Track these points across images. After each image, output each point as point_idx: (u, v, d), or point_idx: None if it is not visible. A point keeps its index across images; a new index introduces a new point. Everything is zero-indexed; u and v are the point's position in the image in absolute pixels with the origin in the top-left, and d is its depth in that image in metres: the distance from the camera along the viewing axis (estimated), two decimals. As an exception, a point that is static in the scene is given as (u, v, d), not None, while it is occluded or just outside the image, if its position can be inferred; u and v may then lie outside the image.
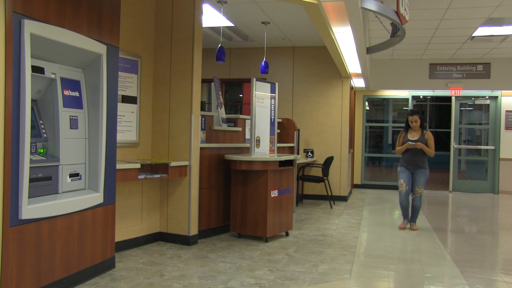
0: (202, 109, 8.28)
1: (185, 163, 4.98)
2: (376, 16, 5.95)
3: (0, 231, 2.89)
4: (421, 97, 16.34)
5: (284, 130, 7.98)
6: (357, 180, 11.22)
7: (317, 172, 8.70)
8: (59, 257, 3.40)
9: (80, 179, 3.70)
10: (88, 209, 3.68)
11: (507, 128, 10.62)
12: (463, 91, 10.56)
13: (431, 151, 6.10)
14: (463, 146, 11.51)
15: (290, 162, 5.60)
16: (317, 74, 9.06)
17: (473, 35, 8.09)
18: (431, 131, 6.40)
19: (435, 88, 10.77)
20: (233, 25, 7.52)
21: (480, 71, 10.46)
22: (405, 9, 5.53)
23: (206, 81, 7.54)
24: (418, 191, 6.23)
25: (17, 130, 2.96)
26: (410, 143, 6.09)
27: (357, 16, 4.86)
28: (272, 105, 5.78)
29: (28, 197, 3.07)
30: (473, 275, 4.25)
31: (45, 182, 3.36)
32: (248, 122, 6.31)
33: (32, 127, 3.22)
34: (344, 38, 5.87)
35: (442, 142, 17.60)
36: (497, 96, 10.73)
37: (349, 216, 7.28)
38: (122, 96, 4.74)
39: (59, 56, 3.47)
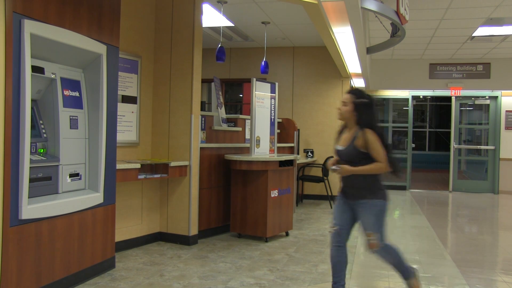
0: (202, 109, 8.28)
1: (185, 163, 4.97)
2: (376, 16, 5.95)
3: (0, 231, 2.89)
4: (421, 97, 16.39)
5: (284, 130, 7.97)
6: (357, 180, 11.19)
7: (317, 172, 8.69)
8: (59, 257, 3.40)
9: (80, 179, 3.70)
10: (88, 209, 3.68)
11: (507, 128, 10.62)
12: (463, 91, 10.56)
13: (373, 168, 3.16)
14: (463, 146, 11.51)
15: (290, 162, 5.60)
16: (317, 74, 9.05)
17: (473, 35, 8.09)
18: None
19: (435, 88, 10.77)
20: (233, 25, 7.52)
21: (480, 71, 10.45)
22: (405, 9, 5.53)
23: (206, 81, 7.54)
24: (370, 240, 3.23)
25: (17, 130, 2.96)
26: (332, 167, 3.31)
27: (357, 16, 4.86)
28: (272, 105, 5.78)
29: (28, 197, 3.07)
30: (473, 275, 4.25)
31: (45, 182, 3.36)
32: (248, 122, 6.31)
33: (32, 127, 3.22)
34: (344, 38, 5.86)
35: (442, 142, 17.62)
36: (497, 96, 10.72)
37: (349, 216, 7.27)
38: (122, 96, 4.74)
39: (59, 56, 3.47)
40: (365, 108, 3.23)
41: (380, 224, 3.22)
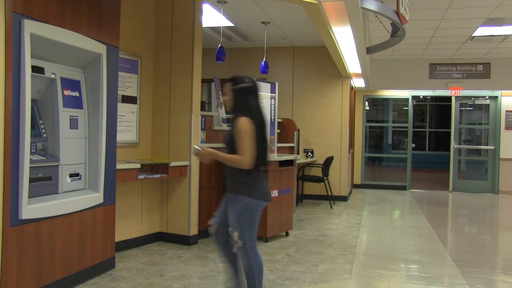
0: (202, 109, 8.28)
1: (185, 163, 4.97)
2: (376, 16, 5.95)
3: (0, 231, 2.89)
4: (421, 97, 16.39)
5: (284, 130, 7.97)
6: (357, 180, 11.22)
7: (317, 172, 8.69)
8: (59, 257, 3.40)
9: (80, 179, 3.70)
10: (88, 209, 3.68)
11: (507, 128, 10.62)
12: (463, 91, 10.56)
13: (231, 158, 2.94)
14: (463, 146, 11.51)
15: (290, 162, 5.60)
16: (317, 74, 9.05)
17: (473, 35, 8.09)
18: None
19: (435, 88, 10.77)
20: (233, 25, 7.52)
21: (480, 71, 10.45)
22: (405, 9, 5.53)
23: (206, 81, 7.54)
24: (233, 238, 3.03)
25: (17, 130, 2.96)
26: (194, 146, 3.35)
27: (357, 16, 4.86)
28: (272, 105, 5.78)
29: (28, 197, 3.07)
30: (473, 275, 4.25)
31: (45, 182, 3.36)
32: (248, 122, 6.30)
33: (32, 127, 3.22)
34: (344, 38, 5.87)
35: (442, 142, 17.62)
36: (497, 96, 10.73)
37: (349, 216, 7.28)
38: (122, 96, 4.74)
39: (59, 56, 3.47)
40: (244, 94, 3.00)
41: (242, 222, 2.96)
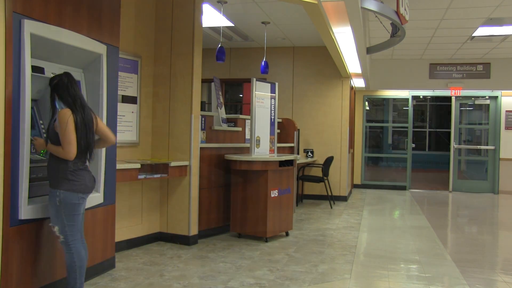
0: (202, 109, 8.28)
1: (185, 163, 4.98)
2: (376, 16, 5.95)
3: (0, 231, 2.89)
4: (421, 97, 16.38)
5: (284, 130, 7.97)
6: (357, 180, 11.22)
7: (317, 172, 8.70)
8: (59, 257, 3.40)
9: (80, 179, 3.69)
10: (88, 209, 3.67)
11: (507, 128, 10.62)
12: (463, 91, 10.56)
13: (56, 150, 3.02)
14: (463, 146, 11.51)
15: (290, 162, 5.60)
16: (317, 74, 9.05)
17: (473, 35, 8.09)
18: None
19: (435, 88, 10.77)
20: (233, 25, 7.52)
21: (480, 71, 10.45)
22: (405, 9, 5.53)
23: (206, 81, 7.54)
24: (55, 233, 3.12)
25: (17, 130, 2.96)
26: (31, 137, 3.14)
27: (357, 16, 4.86)
28: (272, 105, 5.79)
29: (28, 197, 3.07)
30: (473, 275, 4.25)
31: (45, 182, 3.35)
32: (248, 122, 6.31)
33: (32, 127, 3.21)
34: (344, 38, 5.87)
35: (442, 142, 17.62)
36: (497, 96, 10.73)
37: (349, 216, 7.28)
38: (122, 96, 4.74)
39: (59, 56, 3.47)
40: (56, 90, 3.11)
41: (61, 217, 3.04)
